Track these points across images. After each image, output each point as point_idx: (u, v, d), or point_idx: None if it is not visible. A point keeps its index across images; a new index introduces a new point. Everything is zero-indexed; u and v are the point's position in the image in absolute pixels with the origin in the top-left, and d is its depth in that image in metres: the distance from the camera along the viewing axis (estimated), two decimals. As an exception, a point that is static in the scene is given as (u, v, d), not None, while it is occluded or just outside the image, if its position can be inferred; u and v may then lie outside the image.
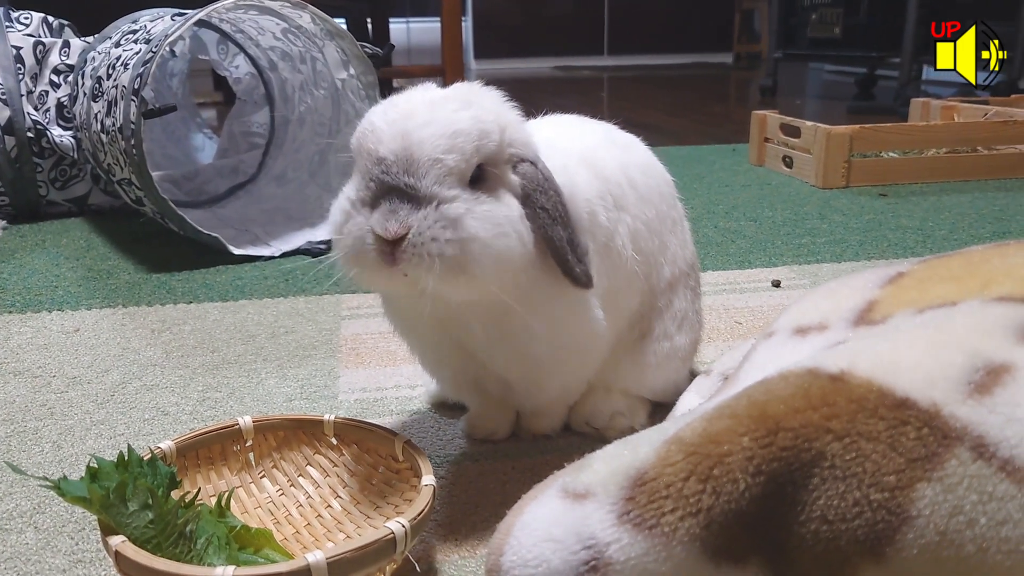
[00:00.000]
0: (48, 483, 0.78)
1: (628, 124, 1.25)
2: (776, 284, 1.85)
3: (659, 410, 1.23)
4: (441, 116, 0.88)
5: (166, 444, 0.94)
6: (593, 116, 1.25)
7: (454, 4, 5.01)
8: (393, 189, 0.86)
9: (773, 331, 1.00)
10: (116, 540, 0.76)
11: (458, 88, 0.96)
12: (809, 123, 2.94)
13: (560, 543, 0.75)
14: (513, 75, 8.23)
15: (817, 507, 0.69)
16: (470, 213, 0.87)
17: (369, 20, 5.44)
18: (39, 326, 1.67)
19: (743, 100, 6.26)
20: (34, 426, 1.25)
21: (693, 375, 1.31)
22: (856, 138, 2.83)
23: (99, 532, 0.80)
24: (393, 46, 2.41)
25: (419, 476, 0.95)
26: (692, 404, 1.17)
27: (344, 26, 2.41)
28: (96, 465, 0.81)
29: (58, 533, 0.99)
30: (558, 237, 0.94)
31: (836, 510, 0.69)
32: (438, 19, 5.11)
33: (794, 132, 3.04)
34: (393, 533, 0.80)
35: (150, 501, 0.80)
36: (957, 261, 0.92)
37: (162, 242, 2.28)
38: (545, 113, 1.19)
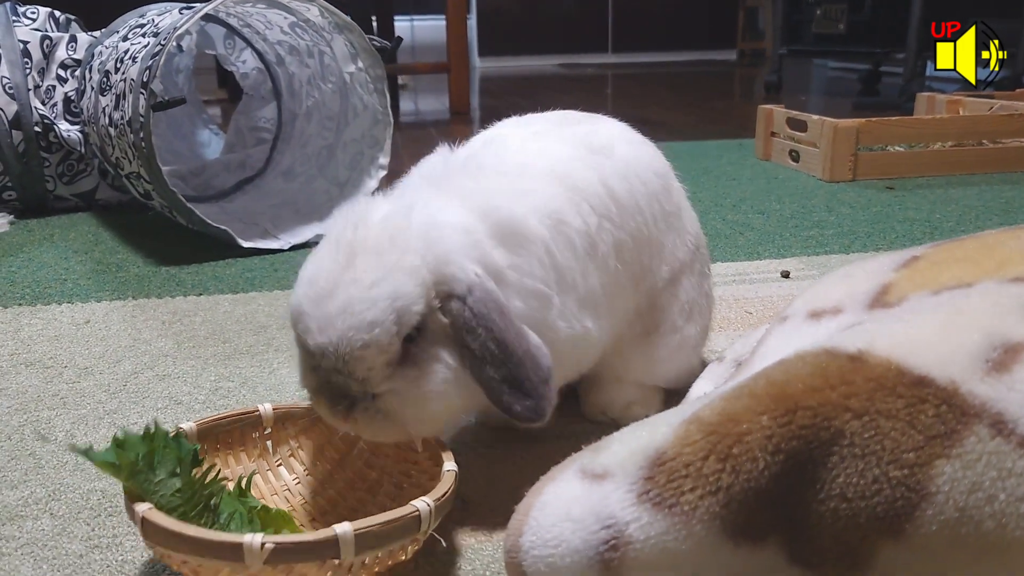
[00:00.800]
0: (77, 449, 0.78)
1: (632, 120, 1.24)
2: (785, 275, 1.85)
3: (672, 397, 1.23)
4: (357, 300, 0.84)
5: (187, 425, 0.94)
6: (598, 112, 1.23)
7: (460, 1, 5.02)
8: (328, 380, 0.88)
9: (787, 315, 1.00)
10: (143, 507, 0.76)
11: (369, 233, 0.88)
12: (816, 117, 2.94)
13: (579, 523, 0.75)
14: (517, 72, 8.22)
15: (836, 485, 0.70)
16: (402, 401, 0.88)
17: (374, 17, 5.45)
18: (49, 318, 1.67)
19: (747, 97, 6.25)
20: (47, 415, 1.26)
21: (705, 362, 1.31)
22: (863, 131, 2.83)
23: (124, 502, 0.81)
24: (401, 39, 2.41)
25: (439, 465, 0.95)
26: (705, 390, 1.17)
27: (351, 20, 2.41)
28: (122, 436, 0.81)
29: (74, 520, 0.99)
30: (487, 378, 0.90)
31: (855, 487, 0.69)
32: (442, 17, 5.11)
33: (801, 126, 3.04)
34: (419, 511, 0.80)
35: (177, 470, 0.81)
36: (972, 244, 0.92)
37: (170, 236, 2.29)
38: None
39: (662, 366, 1.22)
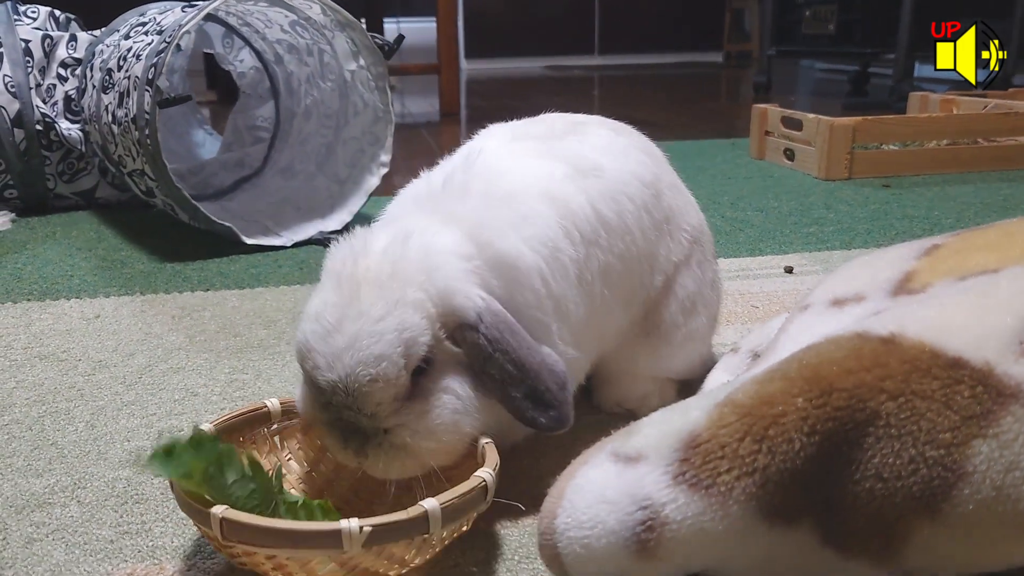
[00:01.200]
0: (145, 465, 0.78)
1: (622, 120, 1.23)
2: (789, 270, 1.87)
3: (686, 389, 1.24)
4: (364, 334, 0.85)
5: (206, 426, 0.93)
6: (587, 113, 1.22)
7: (450, 3, 5.03)
8: (339, 417, 0.88)
9: (808, 304, 1.01)
10: (219, 509, 0.76)
11: (382, 268, 0.89)
12: (811, 115, 2.97)
13: (615, 504, 0.76)
14: (504, 74, 8.24)
15: (872, 465, 0.71)
16: (414, 434, 0.88)
17: (363, 20, 5.46)
18: (59, 313, 1.67)
19: (734, 98, 6.29)
20: (66, 407, 1.26)
21: (716, 355, 1.32)
22: (859, 130, 2.85)
23: (184, 507, 0.81)
24: (403, 37, 2.41)
25: None
26: (722, 380, 1.18)
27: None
28: (169, 443, 0.81)
29: (101, 507, 1.00)
30: (511, 398, 0.92)
31: (891, 468, 0.70)
32: (428, 19, 5.12)
33: (795, 125, 3.07)
34: (485, 481, 0.84)
35: (248, 471, 0.82)
36: (994, 232, 0.93)
37: (172, 233, 2.28)
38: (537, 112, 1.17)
39: (670, 361, 1.22)
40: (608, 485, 0.77)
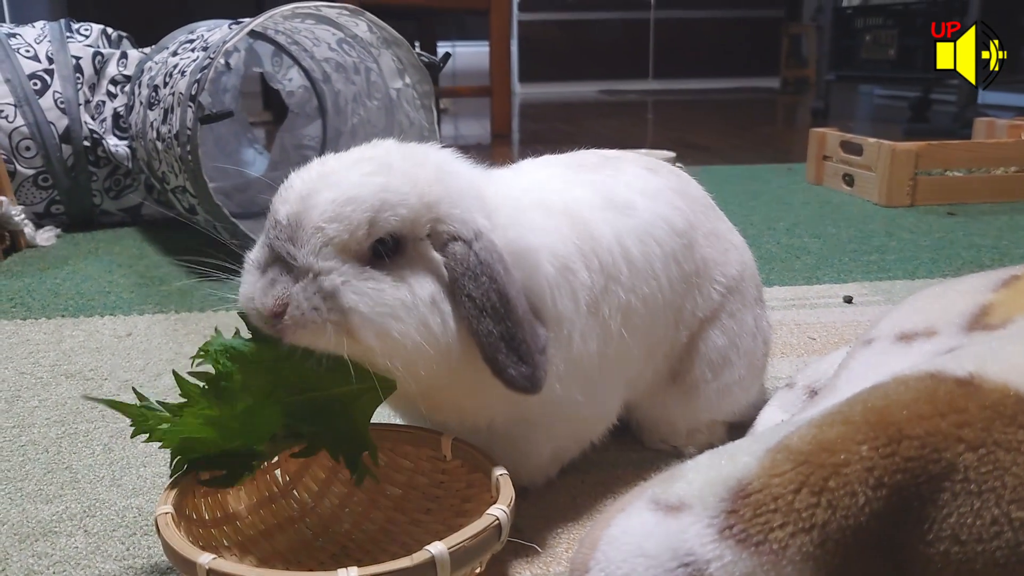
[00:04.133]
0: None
1: (676, 144, 1.17)
2: (848, 300, 1.77)
3: (739, 425, 1.16)
4: (345, 181, 0.80)
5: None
6: (640, 136, 1.15)
7: (503, 27, 5.01)
8: (279, 257, 0.80)
9: (872, 338, 0.93)
10: (205, 559, 0.70)
11: (392, 150, 0.86)
12: (872, 140, 2.85)
13: (653, 559, 0.68)
14: (559, 98, 8.21)
15: (948, 525, 0.62)
16: (348, 286, 0.78)
17: (417, 43, 5.47)
18: (91, 330, 1.64)
19: (791, 123, 6.16)
20: (85, 428, 1.22)
21: (767, 390, 1.24)
22: (922, 155, 2.73)
23: (167, 555, 0.75)
24: (449, 55, 2.38)
25: (476, 471, 0.90)
26: (775, 419, 1.10)
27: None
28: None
29: (108, 537, 0.95)
30: (486, 332, 0.82)
31: (971, 529, 0.61)
32: (483, 43, 5.11)
33: (855, 150, 2.95)
34: (499, 519, 0.76)
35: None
36: (1083, 262, 0.84)
37: (214, 252, 2.25)
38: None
39: (708, 412, 1.13)
40: (647, 537, 0.70)
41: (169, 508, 0.77)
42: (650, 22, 9.15)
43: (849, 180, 2.98)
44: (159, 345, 1.55)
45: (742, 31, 9.20)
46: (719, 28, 9.19)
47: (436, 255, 0.83)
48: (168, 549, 0.73)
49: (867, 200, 2.84)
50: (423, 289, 0.81)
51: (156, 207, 2.68)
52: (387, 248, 0.80)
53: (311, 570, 0.85)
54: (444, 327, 0.82)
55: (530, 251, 0.88)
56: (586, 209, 0.97)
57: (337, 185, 0.80)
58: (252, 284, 0.81)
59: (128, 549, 0.92)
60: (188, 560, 0.71)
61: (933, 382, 0.67)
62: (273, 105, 5.27)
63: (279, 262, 0.80)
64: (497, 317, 0.82)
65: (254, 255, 0.84)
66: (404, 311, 0.80)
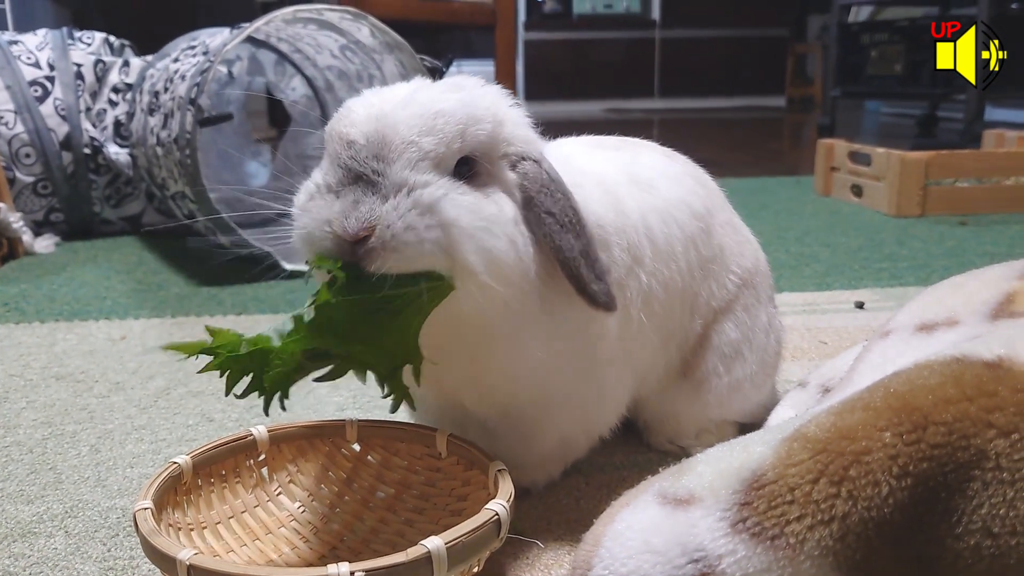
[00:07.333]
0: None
1: None
2: (860, 305, 1.72)
3: (748, 428, 1.11)
4: (423, 98, 0.77)
5: (182, 459, 0.83)
6: None
7: (508, 44, 5.01)
8: (360, 177, 0.74)
9: (890, 329, 0.88)
10: (186, 554, 0.66)
11: (452, 79, 0.85)
12: (881, 150, 2.82)
13: (661, 555, 0.64)
14: (565, 116, 8.19)
15: (978, 517, 0.58)
16: (449, 199, 0.74)
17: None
18: (85, 333, 1.60)
19: (797, 141, 6.13)
20: (72, 429, 1.18)
21: (778, 393, 1.19)
22: (932, 164, 2.70)
23: (146, 554, 0.71)
24: (452, 59, 2.35)
25: (472, 468, 0.86)
26: (788, 416, 1.05)
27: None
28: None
29: (89, 539, 0.90)
30: (568, 247, 0.79)
31: (1003, 521, 0.57)
32: (488, 62, 5.11)
33: (864, 160, 2.92)
34: (498, 515, 0.72)
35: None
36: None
37: (214, 258, 2.22)
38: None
39: (718, 409, 1.09)
40: (654, 532, 0.66)
41: (148, 503, 0.73)
42: (655, 41, 9.16)
43: (857, 191, 2.94)
44: (153, 348, 1.51)
45: (747, 50, 9.20)
46: (724, 47, 9.20)
47: (511, 175, 0.81)
48: (146, 545, 0.69)
49: (876, 211, 2.80)
50: (509, 207, 0.80)
51: (158, 215, 2.65)
52: (465, 170, 0.78)
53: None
54: (526, 248, 0.80)
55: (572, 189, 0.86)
56: (612, 183, 0.94)
57: (419, 102, 0.77)
58: (327, 207, 0.74)
59: (109, 551, 0.88)
60: (167, 556, 0.66)
61: (959, 366, 0.63)
62: (277, 118, 5.26)
63: (360, 182, 0.74)
64: (576, 232, 0.81)
65: (320, 179, 0.78)
66: (499, 227, 0.77)
